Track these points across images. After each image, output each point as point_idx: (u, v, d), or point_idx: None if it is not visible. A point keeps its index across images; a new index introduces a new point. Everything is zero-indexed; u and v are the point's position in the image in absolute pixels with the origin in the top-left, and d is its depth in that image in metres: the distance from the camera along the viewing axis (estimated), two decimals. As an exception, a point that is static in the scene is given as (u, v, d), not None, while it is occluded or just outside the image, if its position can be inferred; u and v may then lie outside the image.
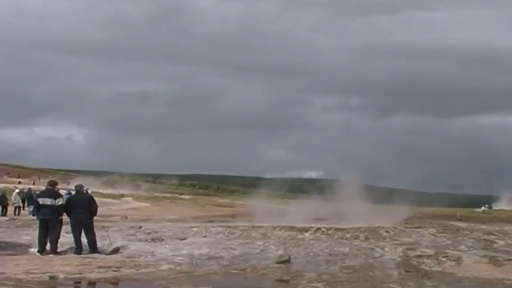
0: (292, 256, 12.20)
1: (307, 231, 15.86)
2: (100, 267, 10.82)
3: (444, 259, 12.15)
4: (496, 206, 79.69)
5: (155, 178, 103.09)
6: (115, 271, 10.60)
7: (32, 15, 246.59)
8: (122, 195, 65.93)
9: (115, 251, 12.88)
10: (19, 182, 63.62)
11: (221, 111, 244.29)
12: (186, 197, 77.10)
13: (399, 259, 12.28)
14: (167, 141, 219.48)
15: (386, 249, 13.36)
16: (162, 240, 14.69)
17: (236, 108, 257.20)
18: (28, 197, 31.89)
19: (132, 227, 17.60)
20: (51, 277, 9.86)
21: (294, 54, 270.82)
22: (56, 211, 12.81)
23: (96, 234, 13.36)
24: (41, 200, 13.08)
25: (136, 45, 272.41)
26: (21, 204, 31.94)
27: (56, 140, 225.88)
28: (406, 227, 17.21)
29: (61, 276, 9.99)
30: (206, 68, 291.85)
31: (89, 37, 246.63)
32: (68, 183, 56.69)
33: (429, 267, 11.46)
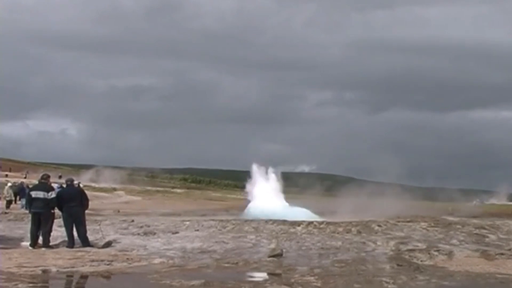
0: (284, 250, 12.21)
1: (299, 225, 15.91)
2: (93, 261, 10.81)
3: (436, 253, 12.22)
4: (492, 201, 79.85)
5: (148, 172, 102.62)
6: (108, 264, 10.59)
7: (27, 9, 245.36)
8: (114, 189, 65.61)
9: (108, 244, 12.86)
10: (6, 175, 62.57)
11: (216, 106, 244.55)
12: (178, 191, 76.93)
13: (391, 253, 12.32)
14: (161, 135, 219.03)
15: (378, 243, 13.41)
16: (155, 234, 14.69)
17: (231, 102, 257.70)
18: (20, 191, 31.80)
19: (125, 221, 17.59)
20: (44, 271, 9.83)
21: (289, 49, 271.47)
22: (48, 204, 12.77)
23: (89, 227, 13.34)
24: (33, 193, 13.02)
25: (132, 40, 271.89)
26: (13, 198, 31.81)
27: (50, 134, 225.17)
28: (398, 221, 17.26)
29: (54, 269, 9.97)
30: (201, 63, 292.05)
31: (85, 31, 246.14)
32: (60, 177, 56.13)
33: (421, 261, 11.50)
